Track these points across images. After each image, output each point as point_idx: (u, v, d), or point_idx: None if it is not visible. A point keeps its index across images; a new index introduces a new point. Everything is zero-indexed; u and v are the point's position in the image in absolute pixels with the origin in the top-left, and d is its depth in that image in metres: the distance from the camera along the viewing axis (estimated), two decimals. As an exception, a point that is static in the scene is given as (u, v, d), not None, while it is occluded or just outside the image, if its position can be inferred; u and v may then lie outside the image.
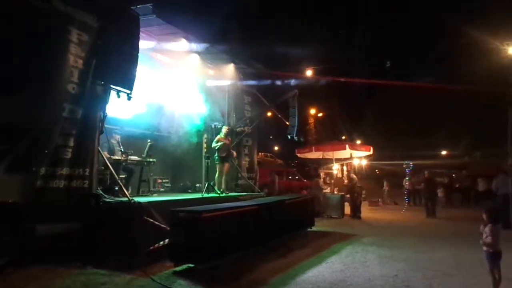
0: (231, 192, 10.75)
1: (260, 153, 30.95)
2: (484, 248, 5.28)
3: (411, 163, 20.66)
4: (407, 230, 11.49)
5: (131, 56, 6.90)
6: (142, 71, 7.91)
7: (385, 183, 21.35)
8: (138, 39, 7.08)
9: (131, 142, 9.37)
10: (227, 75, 11.04)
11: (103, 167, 7.46)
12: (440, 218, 14.58)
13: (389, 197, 20.95)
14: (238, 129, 12.00)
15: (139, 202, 6.72)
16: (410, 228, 12.11)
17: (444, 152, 40.28)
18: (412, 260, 7.45)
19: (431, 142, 37.01)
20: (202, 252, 6.17)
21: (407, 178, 19.71)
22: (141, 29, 7.35)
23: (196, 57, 9.87)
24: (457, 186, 22.24)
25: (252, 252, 7.40)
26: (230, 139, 10.49)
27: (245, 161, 12.66)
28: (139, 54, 7.08)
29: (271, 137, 41.09)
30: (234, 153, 10.91)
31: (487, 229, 5.24)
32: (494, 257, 5.22)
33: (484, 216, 5.36)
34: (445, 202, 19.70)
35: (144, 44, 7.93)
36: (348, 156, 17.56)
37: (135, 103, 8.43)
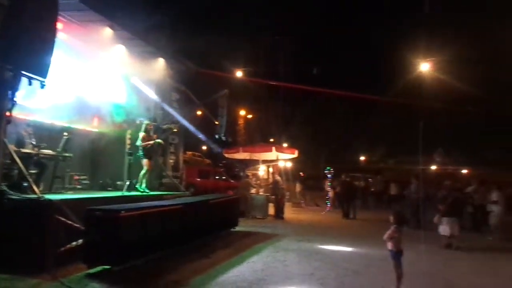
0: (155, 191, 10.44)
1: (187, 152, 30.57)
2: (389, 247, 5.73)
3: (332, 169, 21.70)
4: (326, 231, 12.04)
5: (46, 40, 6.33)
6: (61, 58, 7.36)
7: (297, 185, 22.06)
8: (55, 22, 6.53)
9: (46, 135, 8.64)
10: (155, 70, 10.66)
11: (9, 161, 6.79)
12: (356, 220, 15.52)
13: (302, 197, 21.66)
14: (164, 127, 11.66)
15: (49, 200, 6.23)
16: (329, 228, 12.71)
17: (362, 158, 43.03)
18: (328, 259, 7.82)
19: (351, 148, 39.37)
20: (119, 252, 5.91)
21: (329, 184, 20.61)
22: (61, 13, 6.84)
23: (122, 48, 9.39)
24: (372, 190, 23.76)
25: (174, 252, 7.29)
26: (155, 136, 10.14)
27: (171, 160, 12.37)
28: (56, 39, 6.54)
29: (200, 136, 40.57)
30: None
31: (391, 230, 5.70)
32: (397, 255, 5.69)
33: (391, 218, 5.84)
34: (361, 205, 20.93)
35: (64, 29, 7.38)
36: (275, 158, 17.94)
37: (52, 93, 7.81)
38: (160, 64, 10.68)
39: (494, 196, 11.31)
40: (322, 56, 41.58)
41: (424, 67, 14.99)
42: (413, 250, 8.05)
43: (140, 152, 9.67)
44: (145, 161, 9.67)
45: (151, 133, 10.02)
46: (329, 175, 21.53)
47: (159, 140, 10.19)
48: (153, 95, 11.40)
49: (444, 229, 9.37)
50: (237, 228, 10.91)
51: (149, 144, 9.73)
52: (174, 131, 12.27)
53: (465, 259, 8.36)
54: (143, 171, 9.70)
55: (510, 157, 29.79)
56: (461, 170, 29.98)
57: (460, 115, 28.55)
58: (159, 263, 6.64)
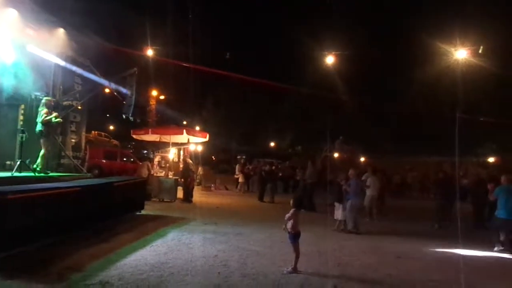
0: (53, 172, 9.65)
1: (93, 132, 28.75)
2: (288, 229, 6.08)
3: (243, 155, 22.19)
4: (234, 214, 12.28)
5: None
6: None
7: (200, 168, 22.17)
8: None
9: None
10: (54, 41, 9.71)
11: None
12: (266, 203, 16.19)
13: (207, 181, 21.88)
14: (65, 103, 10.76)
15: None
16: (236, 212, 12.98)
17: (272, 144, 44.49)
18: (233, 241, 8.01)
19: (262, 134, 40.49)
20: (4, 238, 5.37)
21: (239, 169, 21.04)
22: None
23: (14, 13, 8.35)
24: (280, 175, 24.77)
25: (72, 237, 6.89)
26: (53, 112, 9.29)
27: (72, 139, 11.51)
28: None
29: (108, 115, 38.46)
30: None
31: (290, 213, 6.05)
32: (294, 236, 6.06)
33: (291, 202, 6.20)
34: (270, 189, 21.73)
35: None
36: (186, 141, 17.71)
37: None
38: (60, 35, 9.78)
39: (368, 181, 12.46)
40: (236, 41, 41.71)
41: (330, 60, 15.88)
42: (309, 232, 8.63)
43: (39, 128, 8.72)
44: (43, 141, 8.81)
45: (51, 110, 9.16)
46: (241, 160, 21.97)
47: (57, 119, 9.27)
48: (52, 68, 10.41)
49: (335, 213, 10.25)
50: (144, 212, 10.63)
51: (46, 119, 8.74)
52: (79, 108, 11.42)
53: (354, 240, 9.16)
54: (42, 152, 8.81)
55: (400, 148, 33.21)
56: (359, 158, 32.67)
57: (362, 107, 31.00)
58: (53, 249, 6.21)
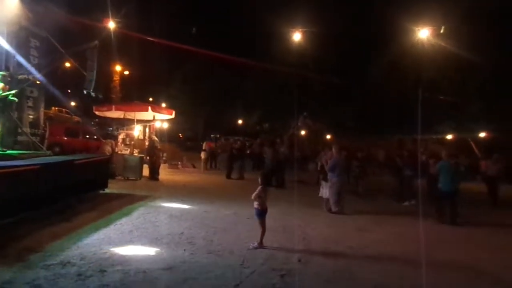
0: (9, 149, 9.21)
1: (53, 108, 27.63)
2: (255, 206, 6.14)
3: (218, 134, 22.05)
4: (200, 192, 12.23)
5: None
6: None
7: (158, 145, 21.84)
8: None
9: None
10: (6, 9, 9.10)
11: None
12: (233, 180, 16.22)
13: (174, 159, 21.64)
14: (20, 77, 10.18)
15: None
16: (203, 189, 12.93)
17: (240, 122, 44.28)
18: (199, 218, 8.02)
19: (230, 111, 40.16)
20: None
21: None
22: None
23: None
24: (248, 152, 24.78)
25: (31, 217, 6.67)
26: (7, 87, 8.81)
27: (29, 115, 10.98)
28: None
29: (69, 90, 36.93)
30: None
31: (258, 190, 6.10)
32: (262, 213, 6.13)
33: (259, 179, 6.24)
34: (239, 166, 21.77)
35: None
36: (151, 118, 17.31)
37: None
38: (13, 2, 9.14)
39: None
40: (203, 16, 40.58)
41: (296, 36, 15.82)
42: (276, 208, 8.74)
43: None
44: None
45: (3, 84, 8.67)
46: (210, 138, 21.78)
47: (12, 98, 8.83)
48: (4, 39, 9.77)
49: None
50: (107, 190, 10.38)
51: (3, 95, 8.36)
52: (36, 83, 10.85)
53: (319, 216, 9.34)
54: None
55: (363, 126, 33.89)
56: (325, 135, 33.15)
57: (326, 84, 31.30)
58: (11, 229, 6.00)
